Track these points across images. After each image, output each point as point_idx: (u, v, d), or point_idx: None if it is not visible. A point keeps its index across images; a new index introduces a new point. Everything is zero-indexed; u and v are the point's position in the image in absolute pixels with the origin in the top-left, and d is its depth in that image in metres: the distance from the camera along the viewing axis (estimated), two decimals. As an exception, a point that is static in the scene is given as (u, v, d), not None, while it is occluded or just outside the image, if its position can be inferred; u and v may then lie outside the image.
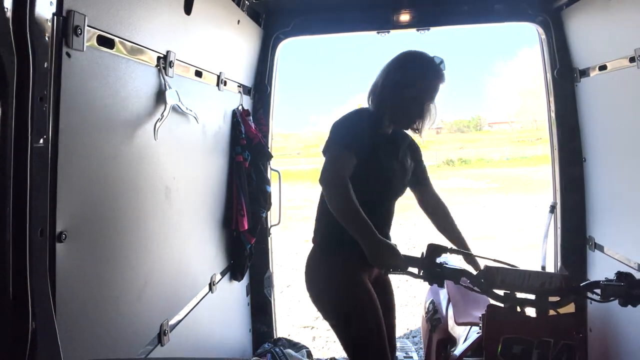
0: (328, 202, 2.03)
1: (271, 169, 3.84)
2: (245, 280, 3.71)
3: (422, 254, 1.84)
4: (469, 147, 40.72)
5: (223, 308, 3.33)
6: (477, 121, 52.32)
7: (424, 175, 2.52)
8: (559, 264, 3.68)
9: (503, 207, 15.86)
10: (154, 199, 2.26)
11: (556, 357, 1.68)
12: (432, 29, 3.70)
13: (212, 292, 3.04)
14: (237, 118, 3.41)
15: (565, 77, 3.50)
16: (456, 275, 1.80)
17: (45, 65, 1.39)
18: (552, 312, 1.76)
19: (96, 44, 1.73)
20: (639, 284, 1.73)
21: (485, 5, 3.61)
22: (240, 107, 3.47)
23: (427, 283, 1.87)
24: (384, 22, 3.68)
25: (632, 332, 2.93)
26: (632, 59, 2.61)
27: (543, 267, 3.60)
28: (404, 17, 3.65)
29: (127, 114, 1.99)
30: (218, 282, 3.16)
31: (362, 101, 2.40)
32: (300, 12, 3.74)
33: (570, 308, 1.79)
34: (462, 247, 2.37)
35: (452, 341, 2.37)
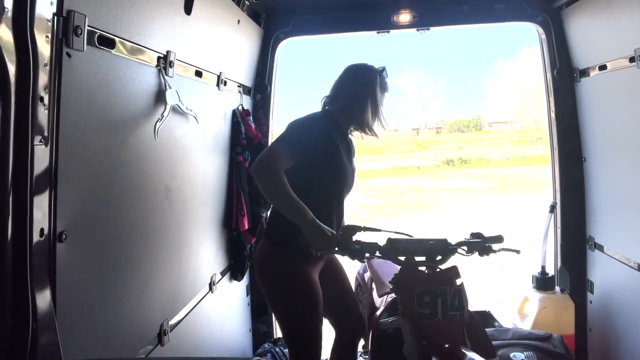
0: (263, 190, 2.19)
1: (271, 168, 3.84)
2: (245, 280, 3.71)
3: (339, 234, 2.17)
4: (469, 146, 40.65)
5: (223, 308, 3.33)
6: (477, 121, 52.21)
7: None
8: (559, 263, 3.68)
9: (503, 206, 15.85)
10: (154, 199, 2.26)
11: (452, 299, 2.06)
12: (432, 28, 3.71)
13: (212, 292, 3.04)
14: (237, 118, 3.41)
15: (565, 76, 3.50)
16: (371, 248, 2.14)
17: (46, 65, 1.39)
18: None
19: (96, 44, 1.73)
20: (488, 240, 2.19)
21: (485, 5, 3.61)
22: (240, 107, 3.47)
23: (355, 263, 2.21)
24: (384, 22, 3.68)
25: (632, 332, 2.93)
26: (632, 59, 2.62)
27: (543, 267, 3.60)
28: (404, 17, 3.65)
29: (127, 114, 1.99)
30: (218, 282, 3.16)
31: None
32: (300, 12, 3.74)
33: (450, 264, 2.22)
34: None
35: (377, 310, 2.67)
